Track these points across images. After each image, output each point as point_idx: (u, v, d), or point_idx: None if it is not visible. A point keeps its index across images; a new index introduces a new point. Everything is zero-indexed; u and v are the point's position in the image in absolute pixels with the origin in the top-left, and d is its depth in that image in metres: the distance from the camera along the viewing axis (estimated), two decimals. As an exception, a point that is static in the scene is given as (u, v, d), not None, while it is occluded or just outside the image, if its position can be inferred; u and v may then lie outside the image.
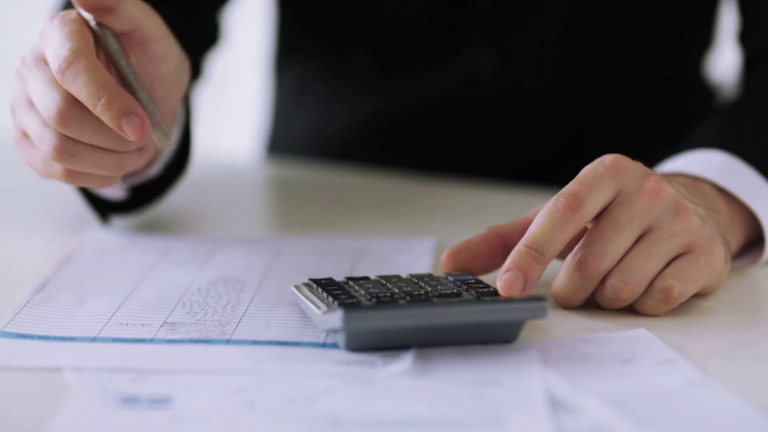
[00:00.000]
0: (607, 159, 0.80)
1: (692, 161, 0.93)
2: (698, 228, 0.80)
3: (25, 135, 0.85)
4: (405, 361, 0.71)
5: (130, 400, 0.66)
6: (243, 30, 1.32)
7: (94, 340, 0.75)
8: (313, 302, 0.76)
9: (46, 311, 0.80)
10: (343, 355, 0.72)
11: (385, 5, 1.29)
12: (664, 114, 1.34)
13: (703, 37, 1.34)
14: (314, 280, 0.79)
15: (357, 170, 1.34)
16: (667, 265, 0.79)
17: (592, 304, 0.81)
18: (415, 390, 0.68)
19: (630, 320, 0.79)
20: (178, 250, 0.95)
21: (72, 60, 0.77)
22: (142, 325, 0.78)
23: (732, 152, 0.93)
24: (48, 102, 0.80)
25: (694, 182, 0.89)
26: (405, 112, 1.34)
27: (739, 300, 0.85)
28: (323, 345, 0.74)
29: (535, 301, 0.73)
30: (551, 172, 1.19)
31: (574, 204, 0.78)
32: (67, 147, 0.80)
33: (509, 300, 0.75)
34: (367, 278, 0.80)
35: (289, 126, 1.45)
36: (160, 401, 0.66)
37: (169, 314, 0.80)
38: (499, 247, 0.84)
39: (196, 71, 1.18)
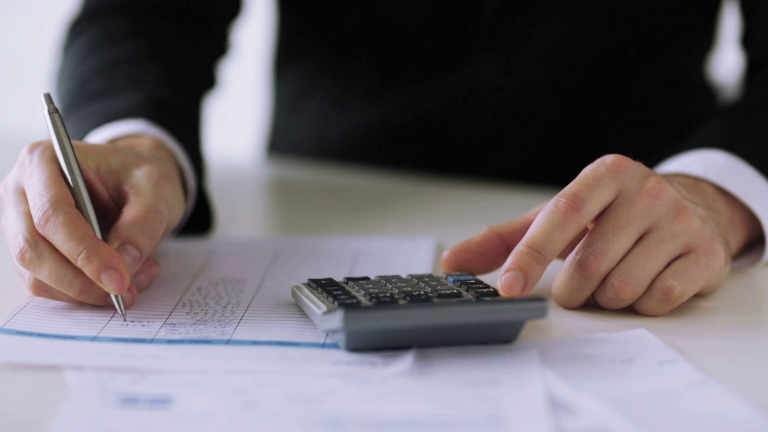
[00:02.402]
0: (608, 159, 0.80)
1: (693, 161, 0.93)
2: (698, 228, 0.80)
3: None
4: (405, 362, 0.71)
5: (130, 400, 0.66)
6: (244, 31, 1.32)
7: (94, 339, 0.75)
8: (313, 302, 0.76)
9: (46, 310, 0.80)
10: (343, 355, 0.72)
11: (389, 14, 1.29)
12: (667, 118, 1.34)
13: (706, 41, 1.34)
14: (314, 281, 0.79)
15: (357, 171, 1.34)
16: (668, 265, 0.79)
17: (592, 304, 0.81)
18: (415, 390, 0.68)
19: (630, 320, 0.79)
20: (178, 250, 0.95)
21: (50, 214, 0.79)
22: (142, 325, 0.78)
23: (733, 153, 0.93)
24: (13, 242, 0.80)
25: (694, 183, 0.89)
26: (408, 121, 1.34)
27: (739, 300, 0.85)
28: (323, 345, 0.74)
29: (536, 301, 0.73)
30: (554, 178, 1.20)
31: (575, 204, 0.78)
32: (40, 284, 0.81)
33: (509, 300, 0.75)
34: (367, 278, 0.80)
35: (289, 130, 1.45)
36: (160, 401, 0.66)
37: (170, 314, 0.80)
38: (500, 247, 0.84)
39: (211, 82, 1.18)
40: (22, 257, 0.79)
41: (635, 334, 0.76)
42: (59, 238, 0.78)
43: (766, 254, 0.91)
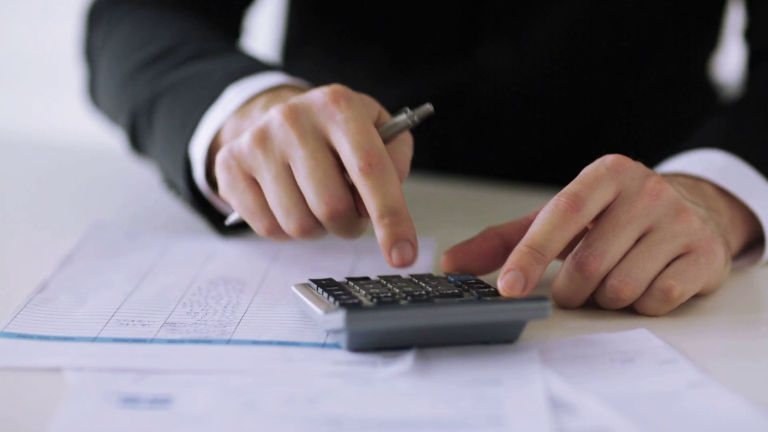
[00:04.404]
0: (608, 159, 0.80)
1: (693, 161, 0.93)
2: (699, 229, 0.80)
3: (252, 182, 0.84)
4: (406, 361, 0.71)
5: (130, 400, 0.66)
6: (254, 19, 1.32)
7: (94, 340, 0.75)
8: (314, 302, 0.76)
9: (46, 311, 0.80)
10: (343, 355, 0.72)
11: None
12: (671, 114, 1.34)
13: (711, 39, 1.34)
14: (314, 281, 0.79)
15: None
16: (668, 265, 0.79)
17: (592, 304, 0.81)
18: (415, 390, 0.68)
19: (630, 320, 0.79)
20: (178, 250, 0.95)
21: (383, 166, 0.78)
22: (143, 325, 0.78)
23: (733, 152, 0.93)
24: (327, 195, 0.79)
25: (694, 183, 0.89)
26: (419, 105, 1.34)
27: (739, 300, 0.85)
28: (323, 345, 0.74)
29: (537, 301, 0.73)
30: (558, 171, 1.20)
31: (575, 204, 0.78)
32: (312, 229, 0.81)
33: (511, 300, 0.75)
34: (367, 278, 0.80)
35: None
36: (160, 401, 0.66)
37: (170, 314, 0.80)
38: (500, 247, 0.84)
39: None
40: (335, 211, 0.79)
41: (635, 334, 0.76)
42: (381, 193, 0.77)
43: (766, 254, 0.91)
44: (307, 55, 1.40)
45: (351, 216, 0.81)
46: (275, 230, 0.84)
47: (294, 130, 0.81)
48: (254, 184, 0.84)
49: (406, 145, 0.85)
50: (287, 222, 0.82)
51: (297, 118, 0.81)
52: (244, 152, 0.83)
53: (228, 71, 0.94)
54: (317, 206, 0.80)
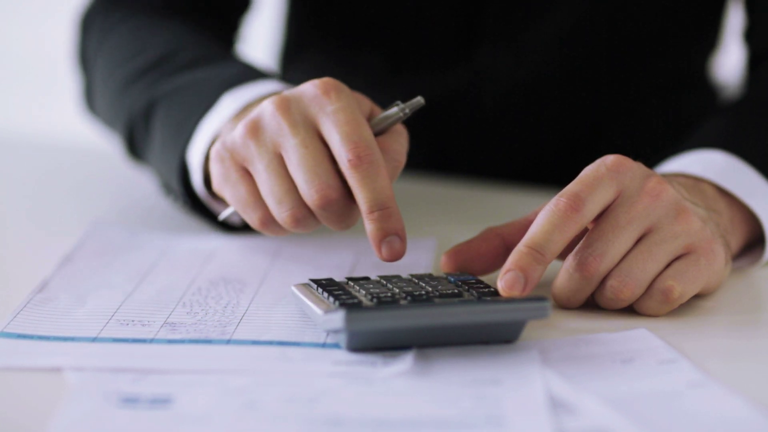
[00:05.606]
0: (608, 159, 0.80)
1: (693, 161, 0.93)
2: (699, 229, 0.80)
3: (245, 173, 0.84)
4: (405, 361, 0.71)
5: (130, 400, 0.66)
6: (251, 26, 1.32)
7: (94, 340, 0.75)
8: (314, 302, 0.76)
9: (46, 311, 0.80)
10: (343, 355, 0.72)
11: (398, 2, 1.29)
12: (671, 114, 1.34)
13: (710, 39, 1.34)
14: (314, 281, 0.79)
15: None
16: (668, 266, 0.79)
17: (592, 304, 0.81)
18: (415, 390, 0.68)
19: (630, 320, 0.79)
20: (178, 250, 0.95)
21: (372, 159, 0.79)
22: (143, 325, 0.78)
23: (733, 152, 0.93)
24: (318, 183, 0.80)
25: (694, 183, 0.89)
26: (418, 110, 1.34)
27: (739, 300, 0.85)
28: (323, 345, 0.74)
29: (537, 301, 0.73)
30: (558, 173, 1.20)
31: (575, 204, 0.78)
32: (304, 219, 0.81)
33: (511, 300, 0.75)
34: (367, 278, 0.80)
35: None
36: (160, 401, 0.66)
37: (170, 314, 0.80)
38: (500, 247, 0.84)
39: None
40: (326, 199, 0.79)
41: (635, 334, 0.76)
42: (369, 186, 0.78)
43: (766, 254, 0.91)
44: (306, 59, 1.40)
45: (342, 205, 0.81)
46: (269, 222, 0.84)
47: (285, 120, 0.82)
48: (247, 175, 0.84)
49: (401, 136, 0.86)
50: (279, 211, 0.82)
51: (288, 108, 0.82)
52: (237, 143, 0.83)
53: (223, 78, 0.95)
54: (308, 194, 0.80)
